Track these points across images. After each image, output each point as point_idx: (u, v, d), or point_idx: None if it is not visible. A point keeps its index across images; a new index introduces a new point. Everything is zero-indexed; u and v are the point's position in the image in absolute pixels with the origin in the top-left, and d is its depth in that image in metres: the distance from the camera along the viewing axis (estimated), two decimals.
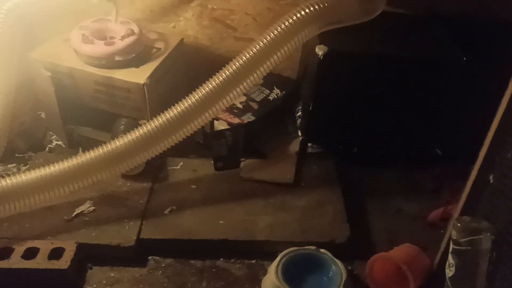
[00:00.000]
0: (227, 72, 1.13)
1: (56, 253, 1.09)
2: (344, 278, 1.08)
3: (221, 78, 1.13)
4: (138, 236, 1.17)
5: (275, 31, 1.11)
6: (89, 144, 1.20)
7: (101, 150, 1.12)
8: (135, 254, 1.16)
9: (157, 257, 1.18)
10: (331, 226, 1.23)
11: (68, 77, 1.32)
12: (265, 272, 1.14)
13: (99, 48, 1.30)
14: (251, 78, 1.14)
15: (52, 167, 1.10)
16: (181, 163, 1.40)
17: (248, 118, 1.40)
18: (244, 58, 1.12)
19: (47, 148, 1.45)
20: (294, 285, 1.07)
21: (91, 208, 1.23)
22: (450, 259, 0.95)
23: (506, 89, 0.90)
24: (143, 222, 1.21)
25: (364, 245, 1.24)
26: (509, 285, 0.89)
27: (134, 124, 1.25)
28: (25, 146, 1.43)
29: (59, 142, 1.47)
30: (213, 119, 1.34)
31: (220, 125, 1.38)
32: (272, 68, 1.14)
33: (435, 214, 1.31)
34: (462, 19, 1.45)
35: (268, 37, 1.11)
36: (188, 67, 1.54)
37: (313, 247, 1.15)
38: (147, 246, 1.18)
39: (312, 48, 1.30)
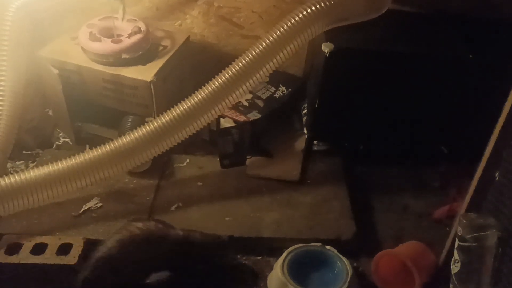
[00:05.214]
0: (233, 69, 1.13)
1: (64, 249, 1.10)
2: (349, 275, 1.08)
3: (227, 75, 1.13)
4: None
5: (281, 29, 1.11)
6: (96, 141, 1.21)
7: (108, 147, 1.13)
8: None
9: None
10: (337, 223, 1.23)
11: (76, 74, 1.33)
12: (271, 268, 1.15)
13: (107, 46, 1.31)
14: (257, 75, 1.14)
15: (59, 164, 1.11)
16: (188, 160, 1.41)
17: (254, 115, 1.40)
18: (250, 56, 1.12)
19: (55, 145, 1.46)
20: (300, 282, 1.07)
21: (99, 205, 1.24)
22: (456, 255, 0.96)
23: None
24: (150, 218, 1.21)
25: (370, 242, 1.24)
26: None
27: (140, 122, 1.26)
28: (34, 143, 1.45)
29: (67, 139, 1.48)
30: (219, 116, 1.35)
31: (226, 123, 1.39)
32: (278, 66, 1.14)
33: (441, 211, 1.31)
34: (469, 16, 1.44)
35: (274, 34, 1.11)
36: (194, 64, 1.55)
37: (319, 244, 1.15)
38: None
39: (318, 46, 1.30)
